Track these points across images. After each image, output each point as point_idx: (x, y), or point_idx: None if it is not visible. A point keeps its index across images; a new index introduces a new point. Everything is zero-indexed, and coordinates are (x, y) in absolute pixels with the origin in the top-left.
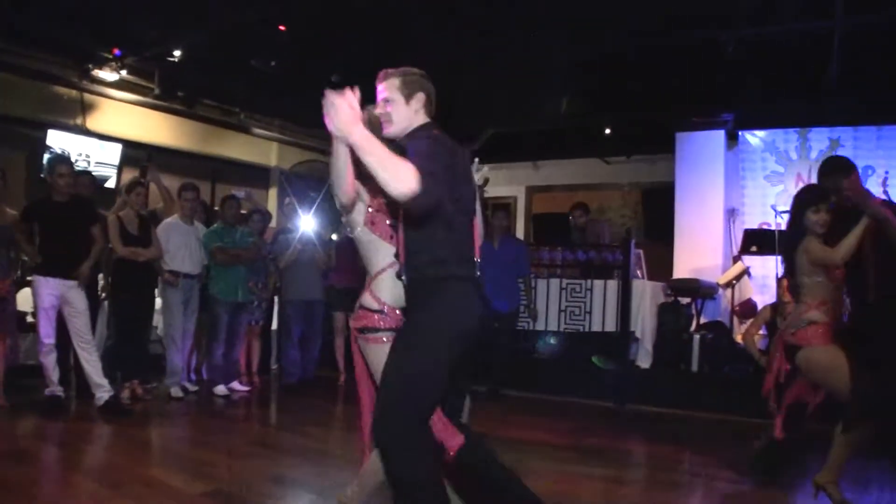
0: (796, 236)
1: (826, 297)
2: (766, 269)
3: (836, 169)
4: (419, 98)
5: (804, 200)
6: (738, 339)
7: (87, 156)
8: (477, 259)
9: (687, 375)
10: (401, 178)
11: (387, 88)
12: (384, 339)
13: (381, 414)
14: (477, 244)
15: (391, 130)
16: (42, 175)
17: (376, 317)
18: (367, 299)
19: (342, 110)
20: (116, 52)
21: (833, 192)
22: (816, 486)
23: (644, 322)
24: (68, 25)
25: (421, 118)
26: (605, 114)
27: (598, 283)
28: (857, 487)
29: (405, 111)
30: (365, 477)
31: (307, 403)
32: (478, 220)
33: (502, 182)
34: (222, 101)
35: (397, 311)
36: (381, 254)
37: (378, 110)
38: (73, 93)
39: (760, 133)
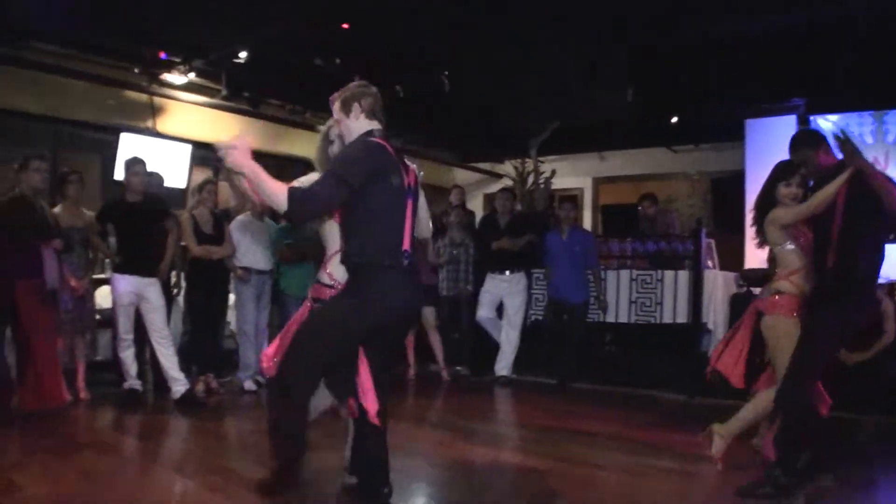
0: (766, 209)
1: (796, 266)
2: None
3: (804, 142)
4: (356, 108)
5: (776, 175)
6: None
7: (159, 157)
8: (406, 249)
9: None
10: (274, 200)
11: (334, 112)
12: None
13: (285, 356)
14: (407, 235)
15: (347, 142)
16: (115, 178)
17: (327, 291)
18: (322, 276)
19: (234, 152)
20: (162, 55)
21: (803, 165)
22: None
23: (716, 313)
24: (137, 33)
25: (364, 124)
26: (671, 103)
27: (669, 274)
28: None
29: (349, 124)
30: None
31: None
32: (417, 213)
33: (568, 174)
34: (288, 100)
35: None
36: (336, 239)
37: (334, 129)
38: (144, 97)
39: (833, 117)
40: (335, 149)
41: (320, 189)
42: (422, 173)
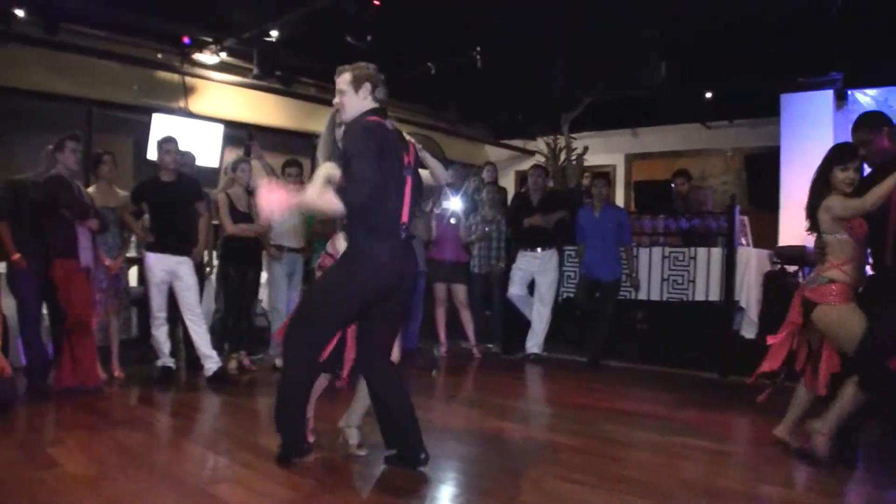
0: (820, 194)
1: (850, 256)
2: None
3: (865, 123)
4: (366, 87)
5: (832, 158)
6: None
7: (191, 137)
8: (404, 223)
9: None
10: (330, 208)
11: (340, 82)
12: None
13: (291, 321)
14: (405, 209)
15: (344, 117)
16: (148, 158)
17: (328, 259)
18: (328, 247)
19: (275, 204)
20: (186, 40)
21: (862, 146)
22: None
23: (749, 291)
24: (169, 13)
25: (368, 104)
26: (705, 78)
27: (702, 252)
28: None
29: (354, 100)
30: (356, 403)
31: (409, 373)
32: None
33: (601, 150)
34: (319, 78)
35: None
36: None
37: (335, 101)
38: (176, 77)
39: (871, 92)
40: (342, 132)
41: (360, 173)
42: (420, 146)
